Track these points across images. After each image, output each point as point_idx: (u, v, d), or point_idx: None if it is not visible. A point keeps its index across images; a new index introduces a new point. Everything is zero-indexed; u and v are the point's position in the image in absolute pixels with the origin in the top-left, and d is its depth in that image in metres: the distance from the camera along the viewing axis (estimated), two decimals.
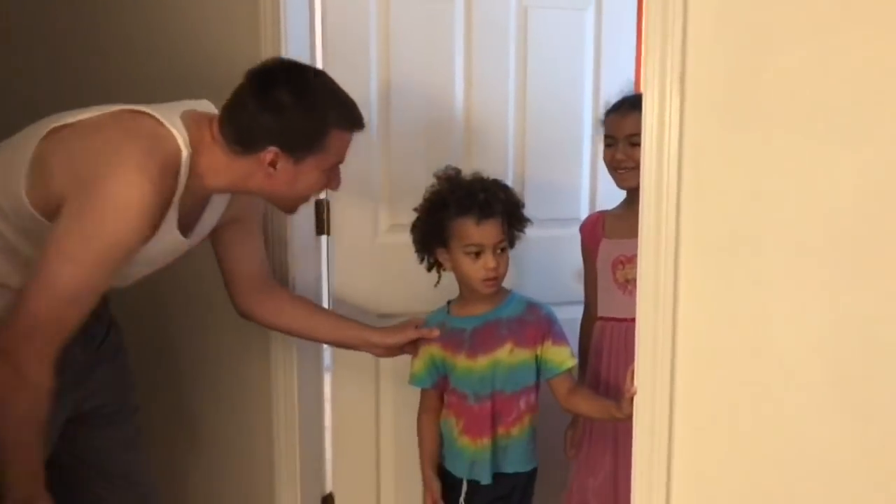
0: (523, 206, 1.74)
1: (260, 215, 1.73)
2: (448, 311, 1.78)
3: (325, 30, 1.90)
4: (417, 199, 1.76)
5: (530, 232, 1.82)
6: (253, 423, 2.00)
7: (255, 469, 2.01)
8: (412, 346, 1.77)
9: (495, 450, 1.74)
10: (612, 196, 2.00)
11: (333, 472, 2.07)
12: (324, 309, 1.90)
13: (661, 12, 1.24)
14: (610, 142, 1.86)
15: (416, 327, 1.75)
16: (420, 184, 1.75)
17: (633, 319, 1.75)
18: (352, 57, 1.92)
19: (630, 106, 1.83)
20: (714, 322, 1.26)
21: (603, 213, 1.97)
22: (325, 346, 2.02)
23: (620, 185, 1.87)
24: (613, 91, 1.93)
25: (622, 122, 1.83)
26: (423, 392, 1.82)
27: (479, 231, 1.66)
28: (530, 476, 1.79)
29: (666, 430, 1.31)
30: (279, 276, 1.87)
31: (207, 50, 1.90)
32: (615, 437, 1.83)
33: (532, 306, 1.75)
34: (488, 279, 1.68)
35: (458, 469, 1.77)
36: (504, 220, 1.69)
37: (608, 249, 1.89)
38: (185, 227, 1.48)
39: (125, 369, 1.70)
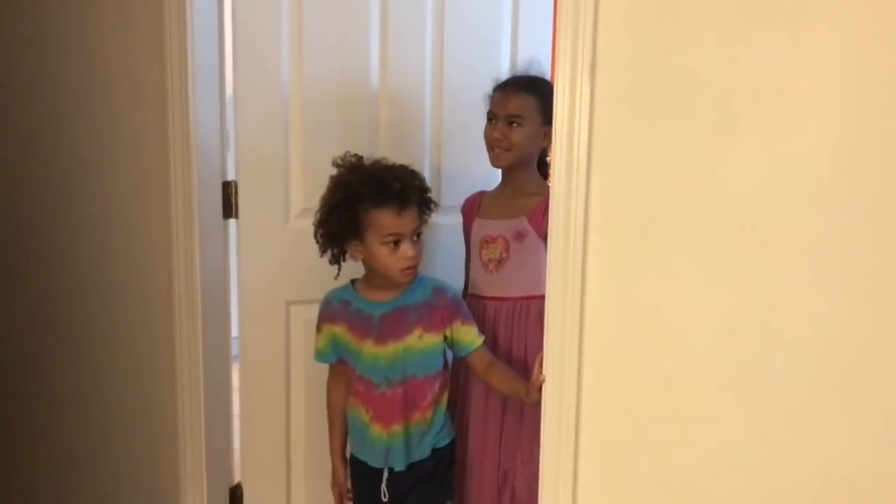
0: (429, 190, 1.73)
1: None
2: (354, 290, 1.75)
3: (235, 4, 1.82)
4: None
5: (443, 219, 1.78)
6: (157, 412, 1.92)
7: (160, 458, 1.94)
8: None
9: (409, 436, 1.72)
10: None
11: (242, 461, 2.01)
12: None
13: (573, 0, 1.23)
14: (491, 118, 1.85)
15: None
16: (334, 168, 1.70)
17: (495, 298, 1.86)
18: (264, 36, 1.85)
19: (516, 87, 1.84)
20: (621, 311, 1.26)
21: (482, 194, 1.98)
22: (233, 335, 1.95)
23: (494, 163, 1.88)
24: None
25: (505, 101, 1.83)
26: (330, 366, 1.81)
27: (399, 221, 1.64)
28: (451, 446, 1.81)
29: (573, 418, 1.32)
30: (184, 260, 1.80)
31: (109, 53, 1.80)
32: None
33: (439, 290, 1.74)
34: (408, 268, 1.67)
35: (374, 459, 1.75)
36: (418, 207, 1.68)
37: (478, 229, 1.92)
38: None
39: None
